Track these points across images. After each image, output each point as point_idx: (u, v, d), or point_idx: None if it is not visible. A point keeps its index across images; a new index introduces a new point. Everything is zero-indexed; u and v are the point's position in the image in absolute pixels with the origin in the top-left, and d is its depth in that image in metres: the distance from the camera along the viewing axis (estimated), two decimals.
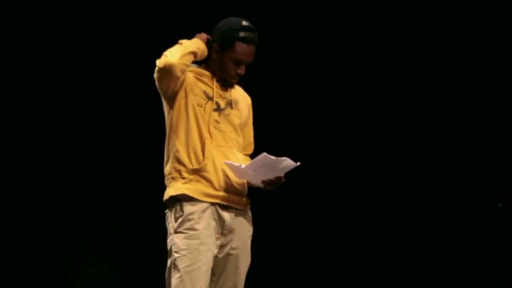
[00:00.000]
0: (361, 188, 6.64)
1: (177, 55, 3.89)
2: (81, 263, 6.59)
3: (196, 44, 3.98)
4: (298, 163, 3.90)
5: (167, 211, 4.01)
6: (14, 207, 6.46)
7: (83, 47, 6.62)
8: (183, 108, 3.98)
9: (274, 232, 6.49)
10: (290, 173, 3.97)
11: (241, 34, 3.98)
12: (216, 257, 3.94)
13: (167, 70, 3.89)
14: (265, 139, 4.39)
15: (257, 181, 3.99)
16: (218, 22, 4.08)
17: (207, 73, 4.07)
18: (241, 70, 4.03)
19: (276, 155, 3.88)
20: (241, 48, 3.98)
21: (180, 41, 3.98)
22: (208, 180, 3.93)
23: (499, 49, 6.38)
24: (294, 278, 6.69)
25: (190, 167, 3.93)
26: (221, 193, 3.95)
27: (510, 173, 6.33)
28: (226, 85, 4.09)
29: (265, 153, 3.87)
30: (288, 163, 3.90)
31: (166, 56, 3.89)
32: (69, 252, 6.61)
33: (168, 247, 3.95)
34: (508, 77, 6.37)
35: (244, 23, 4.01)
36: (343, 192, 6.67)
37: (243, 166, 3.91)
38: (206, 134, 3.96)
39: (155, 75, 3.94)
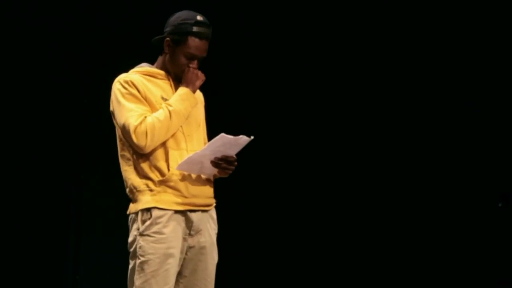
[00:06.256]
0: (362, 188, 6.64)
1: (158, 140, 3.82)
2: (81, 263, 6.59)
3: (185, 111, 3.87)
4: (252, 137, 3.83)
5: (131, 212, 3.94)
6: (14, 207, 6.46)
7: (83, 46, 6.62)
8: None
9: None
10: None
11: (195, 28, 3.89)
12: (184, 258, 3.91)
13: (136, 147, 3.85)
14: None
15: (211, 170, 3.92)
16: (172, 14, 3.99)
17: (161, 72, 3.98)
18: (194, 65, 3.92)
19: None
20: (194, 43, 3.88)
21: (171, 108, 3.83)
22: (176, 189, 3.87)
23: (499, 49, 6.37)
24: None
25: (156, 179, 3.86)
26: (190, 200, 3.90)
27: (510, 173, 6.33)
28: (179, 82, 3.97)
29: (223, 134, 3.80)
30: (244, 139, 3.84)
31: (146, 139, 3.80)
32: (69, 252, 6.61)
33: (132, 248, 3.88)
34: (508, 77, 6.37)
35: (199, 17, 3.91)
36: (342, 193, 6.67)
37: (197, 152, 3.83)
38: (170, 143, 3.88)
39: (125, 135, 3.86)
